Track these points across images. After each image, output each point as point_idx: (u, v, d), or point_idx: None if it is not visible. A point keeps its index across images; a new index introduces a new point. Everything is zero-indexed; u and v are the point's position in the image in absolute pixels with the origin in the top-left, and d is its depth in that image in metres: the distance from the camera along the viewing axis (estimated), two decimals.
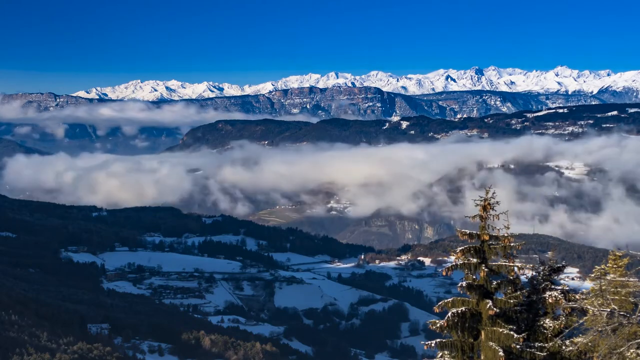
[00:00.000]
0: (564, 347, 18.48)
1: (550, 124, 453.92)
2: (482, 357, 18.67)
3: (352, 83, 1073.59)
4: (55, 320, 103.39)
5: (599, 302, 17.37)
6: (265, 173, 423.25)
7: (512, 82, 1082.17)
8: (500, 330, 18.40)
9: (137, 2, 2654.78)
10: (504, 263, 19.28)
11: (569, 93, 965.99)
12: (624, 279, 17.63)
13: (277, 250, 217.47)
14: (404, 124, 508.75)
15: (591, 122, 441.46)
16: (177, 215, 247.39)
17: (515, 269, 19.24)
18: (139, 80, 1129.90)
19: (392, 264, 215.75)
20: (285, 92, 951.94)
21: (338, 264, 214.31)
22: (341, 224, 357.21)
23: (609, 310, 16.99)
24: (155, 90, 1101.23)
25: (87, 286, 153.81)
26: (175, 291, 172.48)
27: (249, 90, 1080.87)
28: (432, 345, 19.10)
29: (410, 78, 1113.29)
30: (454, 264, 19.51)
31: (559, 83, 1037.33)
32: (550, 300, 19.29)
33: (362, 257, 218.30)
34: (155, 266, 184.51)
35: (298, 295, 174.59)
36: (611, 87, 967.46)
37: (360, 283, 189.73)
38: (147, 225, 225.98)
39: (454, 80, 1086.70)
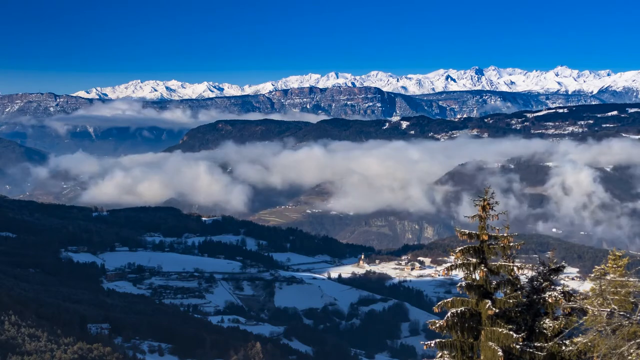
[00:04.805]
0: (563, 347, 18.47)
1: (550, 124, 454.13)
2: (481, 357, 18.66)
3: (352, 83, 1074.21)
4: (55, 320, 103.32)
5: (599, 302, 17.34)
6: (265, 173, 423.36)
7: (512, 82, 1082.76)
8: (500, 330, 18.38)
9: (137, 2, 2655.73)
10: (503, 263, 19.28)
11: (569, 93, 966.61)
12: (623, 279, 17.61)
13: (277, 250, 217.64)
14: (404, 124, 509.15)
15: (591, 122, 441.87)
16: (177, 215, 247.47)
17: (515, 269, 19.24)
18: (139, 80, 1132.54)
19: (392, 264, 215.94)
20: (285, 92, 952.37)
21: (338, 264, 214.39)
22: (341, 224, 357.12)
23: (608, 310, 16.97)
24: (156, 90, 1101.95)
25: (87, 286, 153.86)
26: (175, 291, 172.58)
27: (249, 90, 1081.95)
28: (432, 345, 19.09)
29: (410, 78, 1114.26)
30: (453, 264, 19.50)
31: (559, 83, 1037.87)
32: (550, 300, 19.27)
33: (362, 257, 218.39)
34: (155, 266, 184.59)
35: (298, 295, 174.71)
36: (611, 87, 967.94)
37: (360, 283, 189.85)
38: (147, 225, 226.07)
39: (454, 80, 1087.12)
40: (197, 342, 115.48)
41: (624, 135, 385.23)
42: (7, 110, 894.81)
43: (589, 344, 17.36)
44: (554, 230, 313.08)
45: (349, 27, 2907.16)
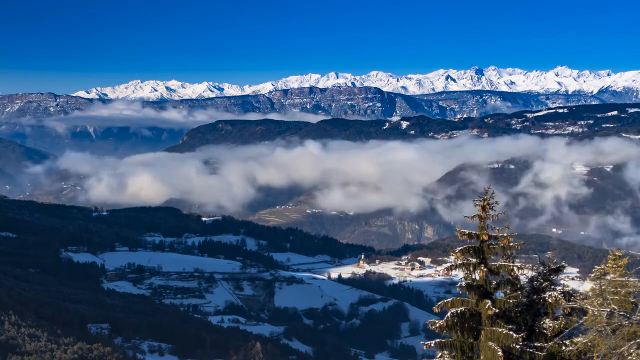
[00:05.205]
0: (563, 347, 18.47)
1: (550, 124, 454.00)
2: (481, 357, 18.66)
3: (352, 83, 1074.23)
4: (55, 320, 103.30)
5: (599, 302, 17.34)
6: (265, 173, 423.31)
7: (512, 82, 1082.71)
8: (500, 330, 18.38)
9: (137, 2, 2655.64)
10: (503, 263, 19.27)
11: (569, 93, 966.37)
12: (623, 279, 17.61)
13: (277, 250, 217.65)
14: (404, 124, 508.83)
15: (591, 122, 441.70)
16: (177, 215, 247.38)
17: (515, 269, 19.23)
18: (139, 80, 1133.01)
19: (392, 264, 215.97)
20: (285, 92, 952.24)
21: (338, 264, 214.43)
22: (341, 224, 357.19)
23: (608, 310, 16.97)
24: (156, 90, 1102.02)
25: (87, 286, 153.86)
26: (175, 291, 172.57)
27: (249, 90, 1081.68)
28: (432, 345, 19.09)
29: (410, 78, 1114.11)
30: (453, 264, 19.50)
31: (559, 83, 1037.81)
32: (550, 300, 19.27)
33: (362, 257, 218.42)
34: (155, 266, 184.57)
35: (298, 295, 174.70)
36: (611, 87, 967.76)
37: (360, 283, 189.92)
38: (147, 225, 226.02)
39: (454, 80, 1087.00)
40: (197, 342, 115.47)
41: (624, 135, 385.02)
42: (7, 110, 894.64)
43: (589, 344, 17.36)
44: (553, 230, 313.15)
45: (349, 27, 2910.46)
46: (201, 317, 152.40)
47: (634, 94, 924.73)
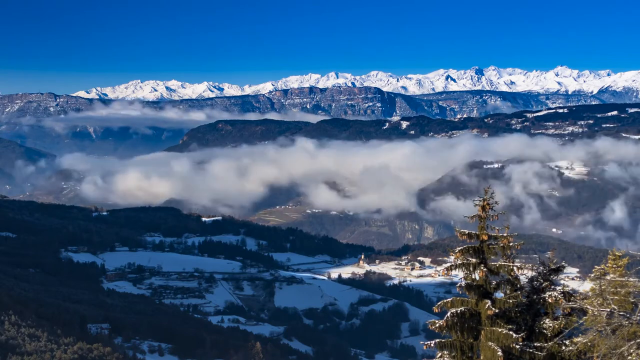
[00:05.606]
0: (563, 347, 18.47)
1: (550, 124, 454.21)
2: (481, 357, 18.66)
3: (352, 83, 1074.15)
4: (55, 320, 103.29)
5: (599, 302, 17.34)
6: (265, 173, 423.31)
7: (512, 82, 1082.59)
8: (500, 330, 18.38)
9: (137, 2, 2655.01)
10: (503, 263, 19.28)
11: (569, 93, 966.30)
12: (623, 279, 17.60)
13: (277, 250, 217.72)
14: (404, 124, 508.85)
15: (591, 122, 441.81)
16: (177, 215, 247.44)
17: (515, 269, 19.24)
18: (139, 80, 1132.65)
19: (392, 264, 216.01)
20: (285, 92, 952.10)
21: (338, 264, 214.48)
22: (341, 224, 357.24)
23: (608, 310, 16.96)
24: (156, 90, 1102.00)
25: (87, 286, 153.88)
26: (175, 291, 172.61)
27: (249, 90, 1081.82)
28: (432, 345, 19.10)
29: (410, 78, 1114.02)
30: (453, 264, 19.50)
31: (559, 83, 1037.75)
32: (550, 300, 19.27)
33: (362, 257, 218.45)
34: (155, 266, 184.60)
35: (298, 295, 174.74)
36: (611, 87, 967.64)
37: (360, 283, 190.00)
38: (147, 225, 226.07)
39: (454, 80, 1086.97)
40: (197, 342, 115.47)
41: (624, 135, 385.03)
42: (7, 110, 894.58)
43: (589, 344, 17.36)
44: (553, 230, 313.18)
45: (349, 27, 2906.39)
46: (201, 317, 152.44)
47: (634, 94, 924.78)
